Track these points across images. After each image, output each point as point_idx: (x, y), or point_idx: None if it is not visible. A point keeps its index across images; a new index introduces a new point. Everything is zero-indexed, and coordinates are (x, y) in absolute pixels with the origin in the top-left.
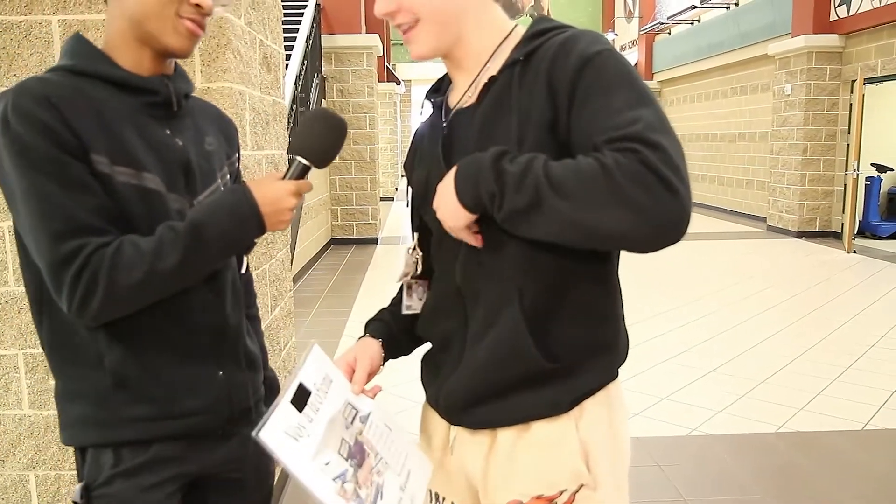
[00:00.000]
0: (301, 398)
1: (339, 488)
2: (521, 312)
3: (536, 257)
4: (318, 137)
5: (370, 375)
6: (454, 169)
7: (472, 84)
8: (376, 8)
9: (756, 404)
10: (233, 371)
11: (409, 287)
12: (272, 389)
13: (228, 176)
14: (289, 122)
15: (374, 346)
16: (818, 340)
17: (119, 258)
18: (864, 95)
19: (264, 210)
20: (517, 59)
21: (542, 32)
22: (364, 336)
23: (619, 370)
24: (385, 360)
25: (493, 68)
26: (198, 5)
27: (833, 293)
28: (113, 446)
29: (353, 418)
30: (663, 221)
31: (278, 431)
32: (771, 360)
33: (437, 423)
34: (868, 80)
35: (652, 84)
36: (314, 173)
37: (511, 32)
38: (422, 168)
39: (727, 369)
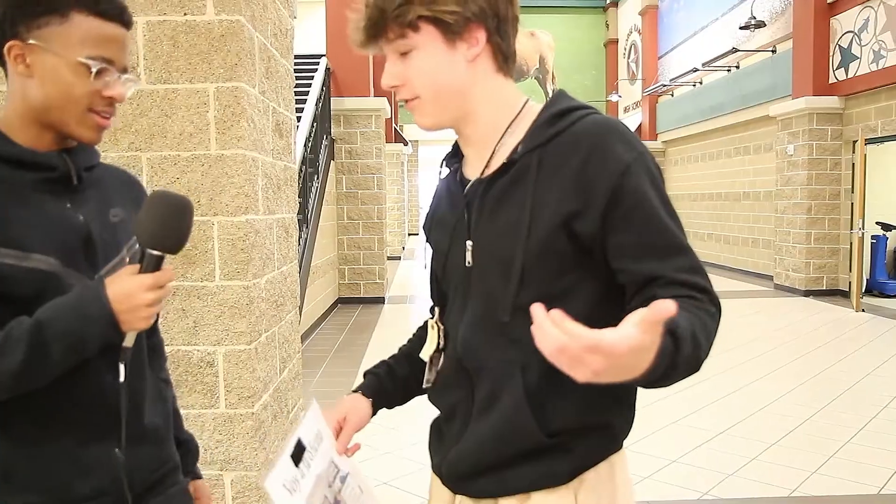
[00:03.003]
0: (298, 453)
1: None
2: (524, 389)
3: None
4: (162, 224)
5: (356, 431)
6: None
7: (489, 160)
8: (382, 80)
9: (768, 467)
10: (133, 447)
11: (432, 360)
12: (191, 453)
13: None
14: (299, 183)
15: (364, 405)
16: (829, 401)
17: None
18: (865, 155)
19: (118, 308)
20: (540, 143)
21: (563, 113)
22: (356, 391)
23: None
24: (373, 414)
25: (509, 144)
26: (111, 98)
27: (843, 352)
28: None
29: (335, 477)
30: None
31: (279, 483)
32: (782, 422)
33: (442, 490)
34: (869, 141)
35: (656, 144)
36: (322, 233)
37: (523, 107)
38: (441, 235)
39: (737, 431)
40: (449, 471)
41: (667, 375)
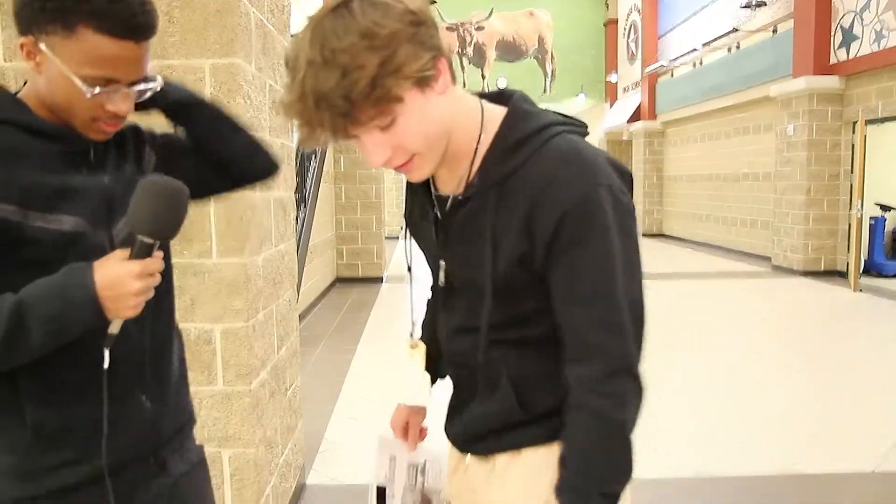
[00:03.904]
0: (381, 497)
1: None
2: (511, 385)
3: (519, 356)
4: (154, 211)
5: (420, 425)
6: None
7: (458, 180)
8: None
9: (763, 445)
10: (159, 395)
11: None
12: (192, 418)
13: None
14: (296, 162)
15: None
16: (826, 380)
17: None
18: (865, 136)
19: (103, 294)
20: (495, 181)
21: (519, 144)
22: None
23: None
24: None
25: (476, 164)
26: (115, 114)
27: (840, 332)
28: (32, 500)
29: (416, 475)
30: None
31: None
32: (779, 401)
33: (454, 450)
34: (869, 122)
35: (655, 125)
36: (320, 213)
37: (483, 118)
38: (423, 244)
39: (734, 410)
40: (456, 437)
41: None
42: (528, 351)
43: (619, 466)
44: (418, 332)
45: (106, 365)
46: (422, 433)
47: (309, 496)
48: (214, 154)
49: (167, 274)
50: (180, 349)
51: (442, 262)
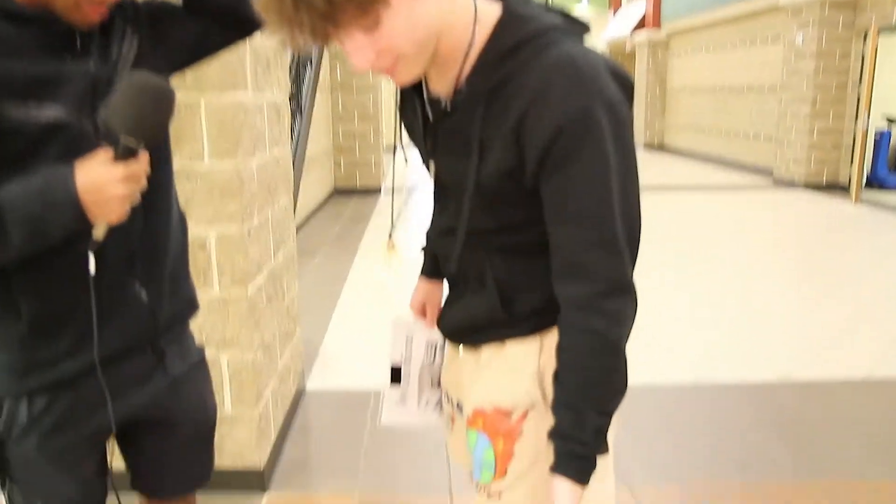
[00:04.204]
0: (396, 374)
1: (439, 413)
2: (496, 287)
3: (505, 261)
4: (139, 111)
5: (439, 306)
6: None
7: (448, 84)
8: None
9: (760, 353)
10: (156, 287)
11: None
12: (192, 304)
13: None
14: (290, 68)
15: (433, 285)
16: (823, 291)
17: None
18: (877, 46)
19: (85, 198)
20: (486, 88)
21: (514, 50)
22: (422, 277)
23: None
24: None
25: (466, 68)
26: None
27: (840, 244)
28: (28, 395)
29: (434, 353)
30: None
31: (391, 410)
32: (775, 310)
33: (450, 341)
34: (883, 30)
35: (659, 35)
36: (317, 123)
37: (475, 20)
38: (416, 143)
39: (732, 320)
40: (446, 330)
41: (590, 441)
42: (515, 257)
43: (615, 384)
44: (402, 237)
45: (92, 270)
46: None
47: (308, 401)
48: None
49: (165, 168)
50: (183, 235)
51: (431, 162)
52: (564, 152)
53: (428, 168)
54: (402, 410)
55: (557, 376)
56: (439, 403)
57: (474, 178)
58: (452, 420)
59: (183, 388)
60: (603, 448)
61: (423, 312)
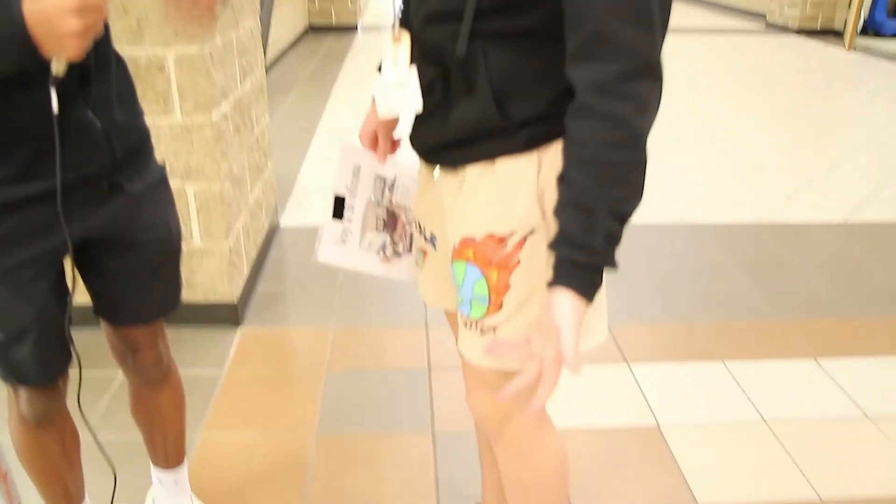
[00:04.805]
0: (339, 207)
1: (382, 258)
2: (489, 86)
3: (501, 51)
4: None
5: (391, 135)
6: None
7: None
8: None
9: (740, 196)
10: (108, 113)
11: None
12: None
13: None
14: None
15: None
16: (810, 135)
17: None
18: None
19: (36, 31)
20: None
21: None
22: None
23: None
24: None
25: None
26: None
27: (827, 90)
28: None
29: (383, 190)
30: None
31: (329, 246)
32: (761, 154)
33: (424, 165)
34: None
35: None
36: None
37: None
38: None
39: (715, 161)
40: (423, 147)
41: (604, 246)
42: (514, 46)
43: (634, 184)
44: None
45: (55, 108)
46: (393, 146)
47: (282, 237)
48: None
49: None
50: (123, 66)
51: None
52: None
53: None
54: (341, 249)
55: (564, 176)
56: (382, 249)
57: None
58: (424, 255)
59: (142, 206)
60: (612, 261)
61: (374, 142)
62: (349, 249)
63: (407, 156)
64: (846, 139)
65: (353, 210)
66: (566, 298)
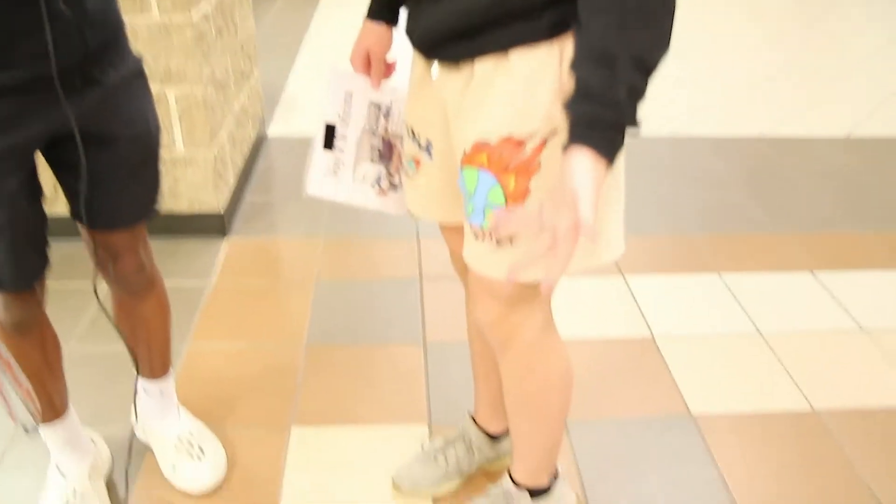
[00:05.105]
0: (329, 136)
1: (377, 191)
2: None
3: None
4: None
5: (385, 58)
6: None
7: None
8: None
9: (741, 109)
10: (78, 1)
11: None
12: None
13: None
14: None
15: (381, 29)
16: (814, 50)
17: None
18: None
19: None
20: None
21: None
22: (368, 21)
23: None
24: (394, 26)
25: None
26: None
27: (833, 3)
28: None
29: (378, 118)
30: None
31: (319, 178)
32: (763, 68)
33: (418, 59)
34: None
35: None
36: None
37: None
38: None
39: (716, 76)
40: (422, 38)
41: (630, 95)
42: None
43: (661, 29)
44: None
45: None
46: (388, 69)
47: (270, 147)
48: None
49: None
50: None
51: None
52: None
53: None
54: (333, 181)
55: (580, 25)
56: (377, 181)
57: None
58: (417, 164)
59: (117, 98)
60: (634, 118)
61: (366, 66)
62: (341, 181)
63: (403, 80)
64: (849, 55)
65: (346, 139)
66: (584, 158)
